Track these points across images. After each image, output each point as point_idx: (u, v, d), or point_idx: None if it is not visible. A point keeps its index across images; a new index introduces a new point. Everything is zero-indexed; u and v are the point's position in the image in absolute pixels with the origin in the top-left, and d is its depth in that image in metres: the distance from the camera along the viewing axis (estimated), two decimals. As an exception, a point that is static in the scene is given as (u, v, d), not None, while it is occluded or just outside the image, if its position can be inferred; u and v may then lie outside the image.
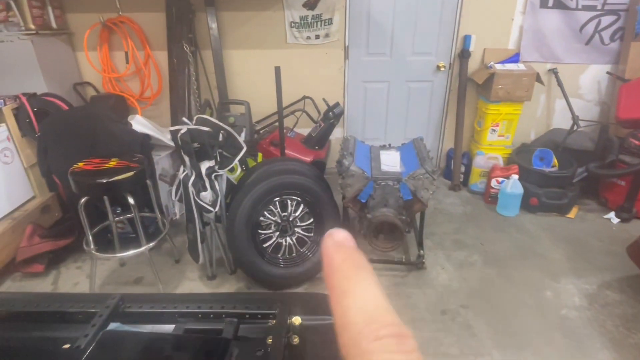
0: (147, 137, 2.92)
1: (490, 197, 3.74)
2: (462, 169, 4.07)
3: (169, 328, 1.04)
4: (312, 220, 2.68)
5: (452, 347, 2.23)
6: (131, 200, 2.30)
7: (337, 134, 4.13)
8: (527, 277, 2.79)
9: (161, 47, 3.76)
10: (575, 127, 3.77)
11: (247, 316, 1.07)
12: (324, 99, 3.74)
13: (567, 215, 3.55)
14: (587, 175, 3.54)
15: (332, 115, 3.50)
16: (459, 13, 3.74)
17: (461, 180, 4.08)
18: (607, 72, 3.87)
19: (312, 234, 2.70)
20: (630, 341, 2.26)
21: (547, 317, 2.44)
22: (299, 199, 2.61)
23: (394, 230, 2.60)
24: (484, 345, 2.24)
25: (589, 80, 3.94)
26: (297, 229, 2.66)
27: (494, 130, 3.84)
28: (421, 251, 2.84)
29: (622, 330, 2.33)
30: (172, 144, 2.76)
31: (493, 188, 3.69)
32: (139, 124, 2.94)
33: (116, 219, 2.74)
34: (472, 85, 3.94)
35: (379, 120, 4.25)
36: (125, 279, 2.79)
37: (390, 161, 2.87)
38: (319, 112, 3.79)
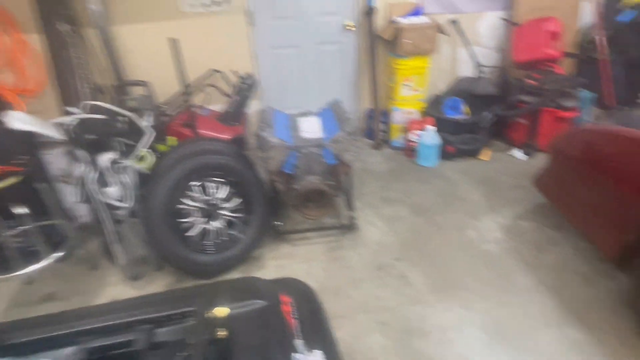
0: (30, 135, 2.52)
1: (411, 151, 3.86)
2: (382, 127, 4.14)
3: (69, 352, 0.89)
4: (240, 200, 2.54)
5: (390, 300, 2.30)
6: (21, 210, 1.98)
7: (255, 107, 3.95)
8: (451, 221, 2.95)
9: (34, 30, 3.23)
10: (479, 74, 3.97)
11: (163, 319, 0.96)
12: (233, 71, 3.51)
13: (481, 158, 3.80)
14: (493, 118, 3.77)
15: (245, 87, 3.31)
16: (358, -32, 3.66)
17: (383, 138, 4.16)
18: (502, 18, 4.08)
19: (240, 214, 2.58)
20: (544, 262, 2.50)
21: (473, 255, 2.61)
22: (222, 180, 2.46)
23: (323, 197, 2.57)
24: (420, 292, 2.34)
25: (486, 27, 4.13)
26: (223, 212, 2.52)
27: (407, 86, 3.91)
28: (352, 213, 2.86)
29: (536, 254, 2.57)
30: (64, 138, 2.42)
31: (412, 142, 3.81)
32: (18, 121, 2.52)
33: (9, 233, 2.37)
34: (381, 42, 3.95)
35: (295, 87, 4.13)
36: (36, 298, 2.46)
37: (310, 127, 2.79)
38: (230, 85, 3.57)
